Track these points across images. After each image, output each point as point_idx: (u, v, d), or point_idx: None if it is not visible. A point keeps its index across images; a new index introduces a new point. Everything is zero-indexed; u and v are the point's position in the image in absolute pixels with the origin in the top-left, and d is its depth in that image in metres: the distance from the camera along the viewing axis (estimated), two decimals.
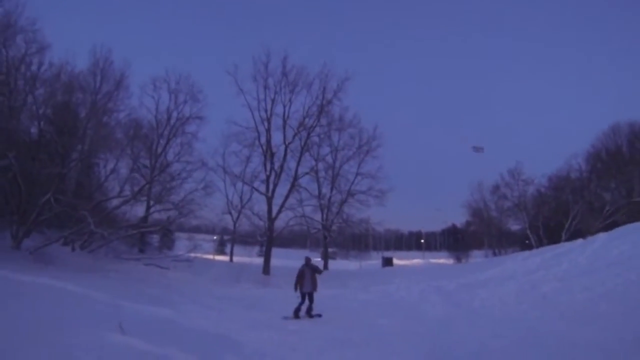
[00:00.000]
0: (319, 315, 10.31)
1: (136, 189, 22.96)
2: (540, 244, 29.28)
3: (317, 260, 29.86)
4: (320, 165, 31.87)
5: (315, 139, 29.64)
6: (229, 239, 55.37)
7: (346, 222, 31.87)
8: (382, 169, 32.35)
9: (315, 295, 10.55)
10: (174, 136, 27.38)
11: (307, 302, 10.29)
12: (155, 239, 32.44)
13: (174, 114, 27.62)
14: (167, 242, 41.51)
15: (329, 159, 32.59)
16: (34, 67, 19.48)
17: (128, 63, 24.83)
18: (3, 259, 12.29)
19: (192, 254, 26.22)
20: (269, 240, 26.92)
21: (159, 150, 26.59)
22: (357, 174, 32.71)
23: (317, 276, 10.64)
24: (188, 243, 31.79)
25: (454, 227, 66.60)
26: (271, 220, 26.90)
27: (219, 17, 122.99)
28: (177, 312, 8.61)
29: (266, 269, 25.73)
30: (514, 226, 39.23)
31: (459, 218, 67.29)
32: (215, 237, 44.40)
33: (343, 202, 32.16)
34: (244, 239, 37.84)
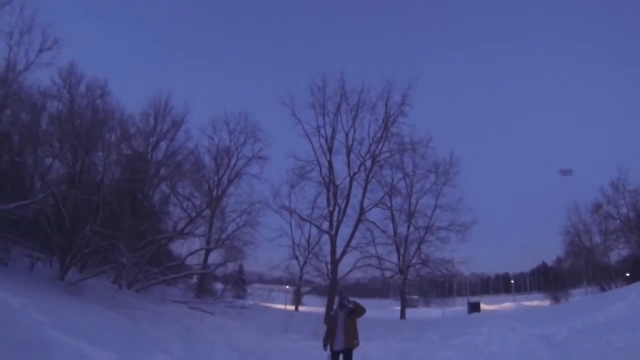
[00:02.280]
0: None
1: (190, 228, 21.97)
2: None
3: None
4: (394, 201, 27.87)
5: (384, 166, 26.15)
6: (309, 290, 52.84)
7: (426, 264, 26.78)
8: (463, 200, 27.41)
9: (359, 353, 7.15)
10: (236, 178, 26.45)
11: None
12: (221, 287, 30.89)
13: (235, 155, 26.91)
14: (239, 291, 40.40)
15: (402, 187, 28.16)
16: (100, 115, 20.18)
17: (188, 107, 25.05)
18: (35, 288, 11.26)
19: (254, 303, 24.52)
20: (331, 284, 23.07)
21: (219, 193, 25.62)
22: (435, 207, 28.10)
23: (357, 322, 7.15)
24: (262, 293, 29.90)
25: (544, 265, 60.12)
26: (335, 262, 23.30)
27: (265, 47, 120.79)
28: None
29: (328, 317, 21.74)
30: (624, 251, 30.86)
31: (549, 255, 58.33)
32: (287, 287, 41.32)
33: (422, 240, 27.52)
34: (316, 287, 34.66)
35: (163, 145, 23.79)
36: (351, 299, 7.35)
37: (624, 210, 29.19)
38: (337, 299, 8.00)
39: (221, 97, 79.13)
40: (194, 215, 21.30)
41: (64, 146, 17.32)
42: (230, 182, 25.82)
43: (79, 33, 68.43)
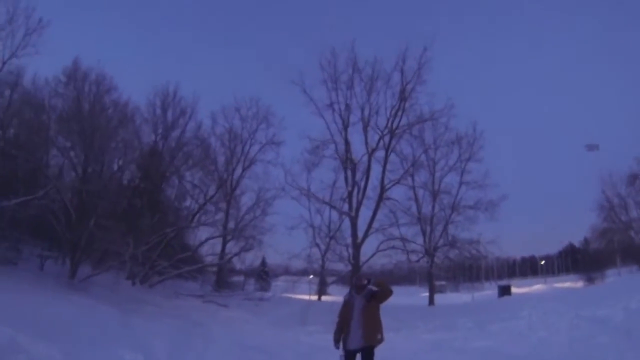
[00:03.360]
0: None
1: (204, 218, 21.28)
2: None
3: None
4: (417, 179, 25.89)
5: (403, 139, 24.19)
6: (335, 279, 51.70)
7: (453, 245, 24.95)
8: (489, 175, 25.55)
9: (384, 346, 4.92)
10: (250, 165, 25.54)
11: None
12: (241, 280, 30.12)
13: (248, 142, 25.92)
14: (263, 284, 39.97)
15: (424, 162, 25.95)
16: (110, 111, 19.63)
17: (197, 96, 24.32)
18: (45, 285, 11.25)
19: (274, 294, 23.86)
20: (353, 270, 21.49)
21: (233, 182, 24.76)
22: (460, 184, 26.11)
23: (380, 309, 5.00)
24: (285, 285, 28.97)
25: (571, 246, 59.10)
26: (356, 245, 21.90)
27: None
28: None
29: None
30: None
31: (576, 236, 55.60)
32: (311, 276, 40.08)
33: (448, 219, 25.67)
34: (340, 275, 33.44)
35: (174, 136, 22.99)
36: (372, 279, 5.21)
37: None
38: (353, 280, 5.81)
39: (230, 83, 77.13)
40: (202, 202, 20.44)
41: (74, 144, 16.78)
42: (244, 169, 24.92)
43: (77, 25, 68.39)
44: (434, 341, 9.68)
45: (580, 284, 30.90)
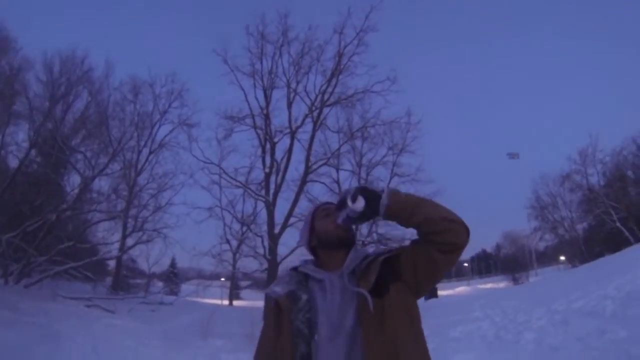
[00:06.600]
0: None
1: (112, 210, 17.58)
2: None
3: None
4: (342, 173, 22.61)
5: (334, 117, 21.23)
6: (249, 284, 48.14)
7: (380, 242, 21.09)
8: (424, 169, 22.50)
9: None
10: (159, 148, 21.97)
11: None
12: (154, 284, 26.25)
13: (158, 123, 22.34)
14: (172, 287, 36.38)
15: (354, 147, 22.64)
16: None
17: (111, 66, 20.47)
18: None
19: (177, 297, 21.29)
20: (270, 268, 18.12)
21: (138, 167, 21.04)
22: (392, 175, 22.94)
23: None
24: (195, 289, 25.67)
25: (484, 252, 62.08)
26: (273, 237, 18.32)
27: None
28: None
29: (267, 305, 16.94)
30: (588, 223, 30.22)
31: (487, 242, 60.16)
32: (222, 279, 36.42)
33: None
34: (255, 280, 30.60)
35: (74, 108, 18.81)
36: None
37: (594, 179, 28.03)
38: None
39: (148, 57, 69.66)
40: (89, 175, 16.77)
41: None
42: (151, 152, 21.35)
43: None
44: None
45: (503, 284, 31.69)
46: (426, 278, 1.39)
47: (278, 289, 1.46)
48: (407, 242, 1.50)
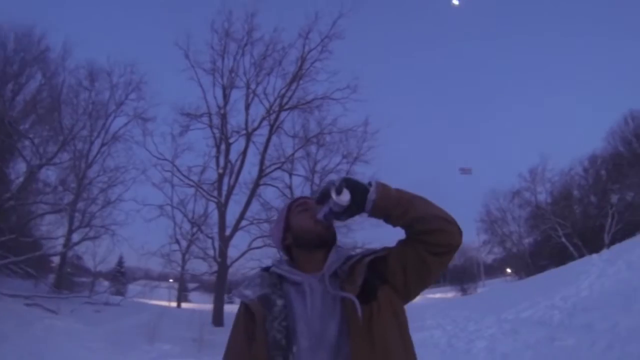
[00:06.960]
0: None
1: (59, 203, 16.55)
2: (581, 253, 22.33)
3: None
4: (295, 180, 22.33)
5: (290, 122, 21.10)
6: (196, 286, 46.80)
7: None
8: (378, 179, 23.25)
9: None
10: (112, 141, 20.99)
11: None
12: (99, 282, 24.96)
13: (113, 114, 21.34)
14: (119, 287, 34.62)
15: (307, 154, 22.46)
16: None
17: (69, 49, 19.29)
18: None
19: (124, 298, 19.95)
20: (220, 270, 17.83)
21: (90, 158, 20.00)
22: None
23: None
24: (143, 290, 24.52)
25: None
26: (224, 239, 18.09)
27: None
28: None
29: (218, 317, 16.89)
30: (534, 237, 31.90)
31: None
32: (170, 280, 35.22)
33: None
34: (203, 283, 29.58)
35: (25, 91, 17.61)
36: None
37: (542, 197, 29.53)
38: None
39: (107, 42, 65.87)
40: (36, 164, 15.82)
41: None
42: (104, 144, 20.34)
43: None
44: None
45: (451, 295, 32.17)
46: (417, 282, 1.30)
47: (249, 292, 1.30)
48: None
